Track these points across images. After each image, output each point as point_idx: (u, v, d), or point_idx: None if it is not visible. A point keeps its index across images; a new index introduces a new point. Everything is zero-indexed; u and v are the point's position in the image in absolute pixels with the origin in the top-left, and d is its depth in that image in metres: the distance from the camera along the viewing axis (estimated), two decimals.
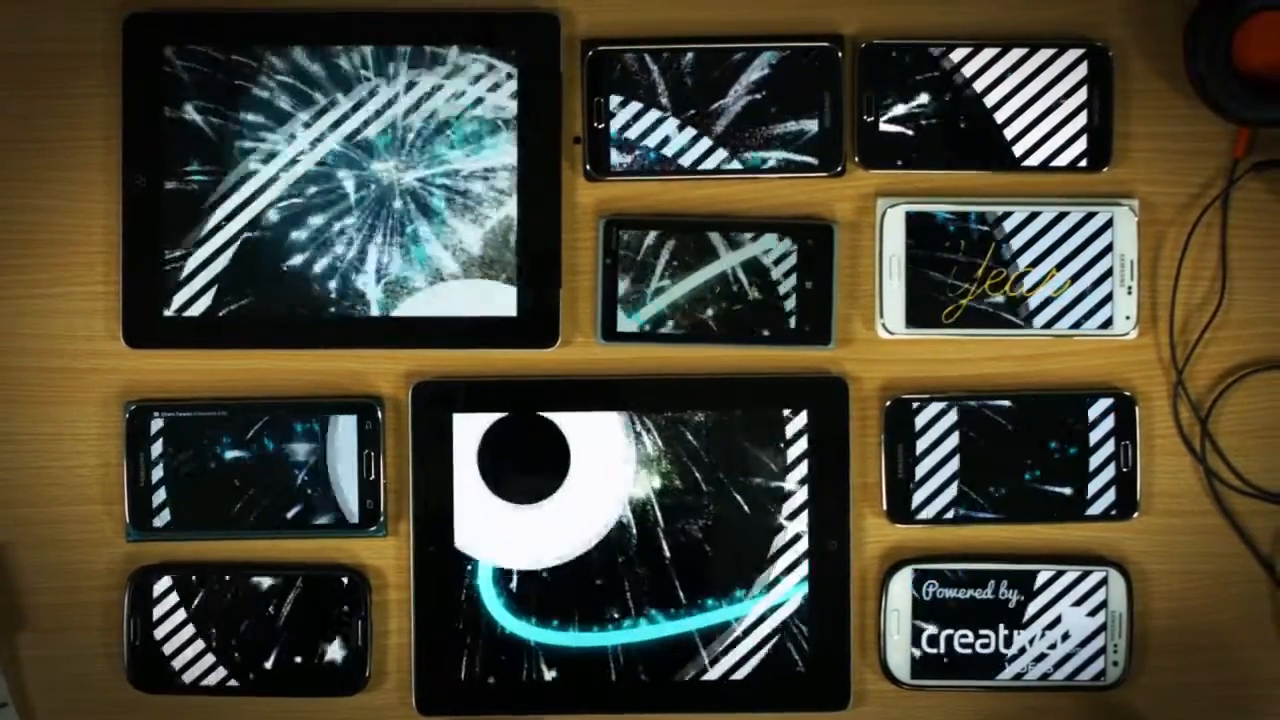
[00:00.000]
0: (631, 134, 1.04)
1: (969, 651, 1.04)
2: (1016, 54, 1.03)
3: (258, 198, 1.03)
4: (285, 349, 1.04)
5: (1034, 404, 1.04)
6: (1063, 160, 1.04)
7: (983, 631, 1.03)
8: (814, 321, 1.03)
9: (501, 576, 1.03)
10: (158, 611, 1.03)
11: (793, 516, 1.03)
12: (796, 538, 1.03)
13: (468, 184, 1.03)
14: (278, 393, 1.04)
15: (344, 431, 1.03)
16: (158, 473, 1.03)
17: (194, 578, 1.04)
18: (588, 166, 1.04)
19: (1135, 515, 1.04)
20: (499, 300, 1.03)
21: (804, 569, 1.03)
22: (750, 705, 1.04)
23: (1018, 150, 1.04)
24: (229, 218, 1.03)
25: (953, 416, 1.03)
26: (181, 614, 1.03)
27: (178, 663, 1.04)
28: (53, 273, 1.04)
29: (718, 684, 1.04)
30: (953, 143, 1.04)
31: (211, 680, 1.04)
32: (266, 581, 1.04)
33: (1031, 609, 1.03)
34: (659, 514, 1.03)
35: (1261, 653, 1.05)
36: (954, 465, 1.03)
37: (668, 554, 1.03)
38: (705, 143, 1.04)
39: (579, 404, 1.03)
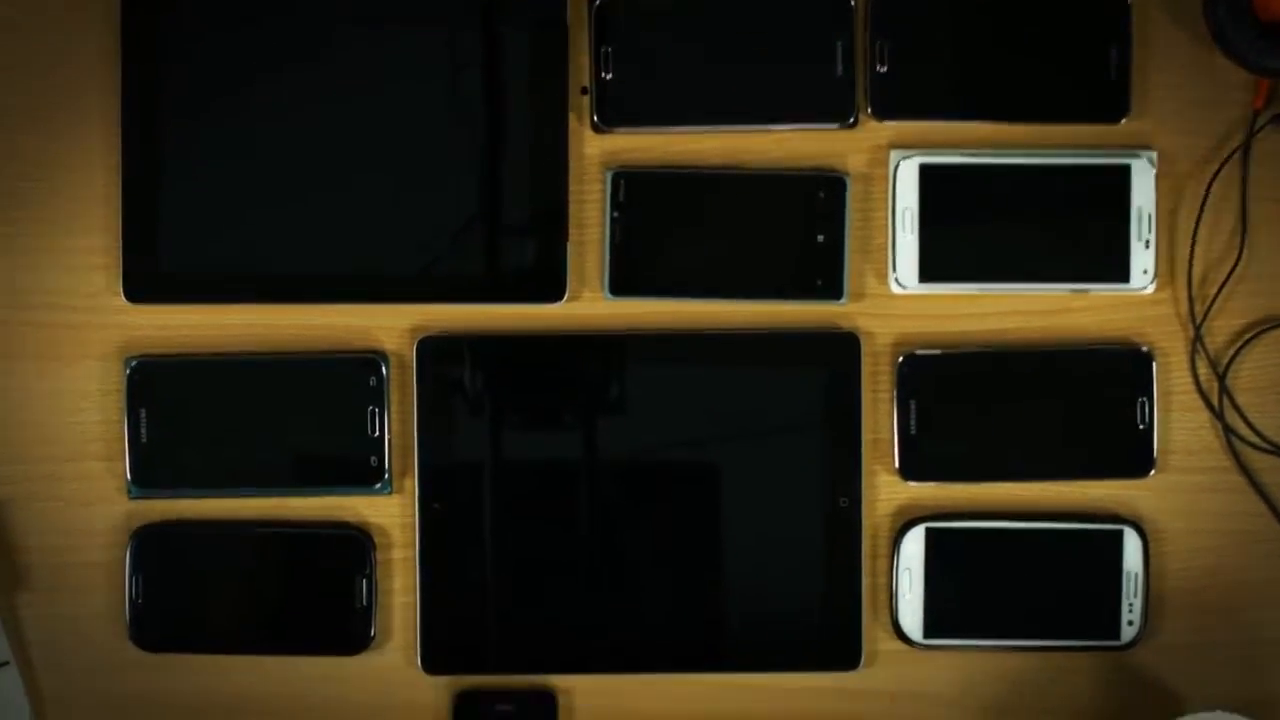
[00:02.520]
0: (640, 84, 1.02)
1: (982, 610, 1.03)
2: (1033, 2, 1.02)
3: (262, 151, 1.02)
4: (288, 303, 1.03)
5: (1049, 359, 1.03)
6: (1080, 111, 1.02)
7: (996, 590, 1.03)
8: (825, 276, 1.02)
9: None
10: (159, 569, 1.03)
11: (801, 472, 1.02)
12: (806, 494, 1.02)
13: None
14: (280, 347, 1.03)
15: (348, 387, 1.02)
16: (159, 429, 1.02)
17: (196, 535, 1.03)
18: (595, 118, 1.02)
19: (1152, 473, 1.03)
20: (504, 254, 1.03)
21: (815, 527, 1.02)
22: (759, 665, 1.04)
23: (1033, 101, 1.02)
24: (231, 171, 1.02)
25: (966, 372, 1.02)
26: (183, 572, 1.03)
27: (179, 621, 1.03)
28: (52, 226, 1.04)
29: (726, 643, 1.03)
30: (968, 93, 1.02)
31: (213, 639, 1.04)
32: (269, 539, 1.03)
33: (1046, 567, 1.03)
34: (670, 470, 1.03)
35: None
36: (967, 421, 1.03)
37: (672, 512, 1.03)
38: (715, 93, 1.02)
39: (585, 359, 1.02)
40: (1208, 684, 1.04)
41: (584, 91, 1.03)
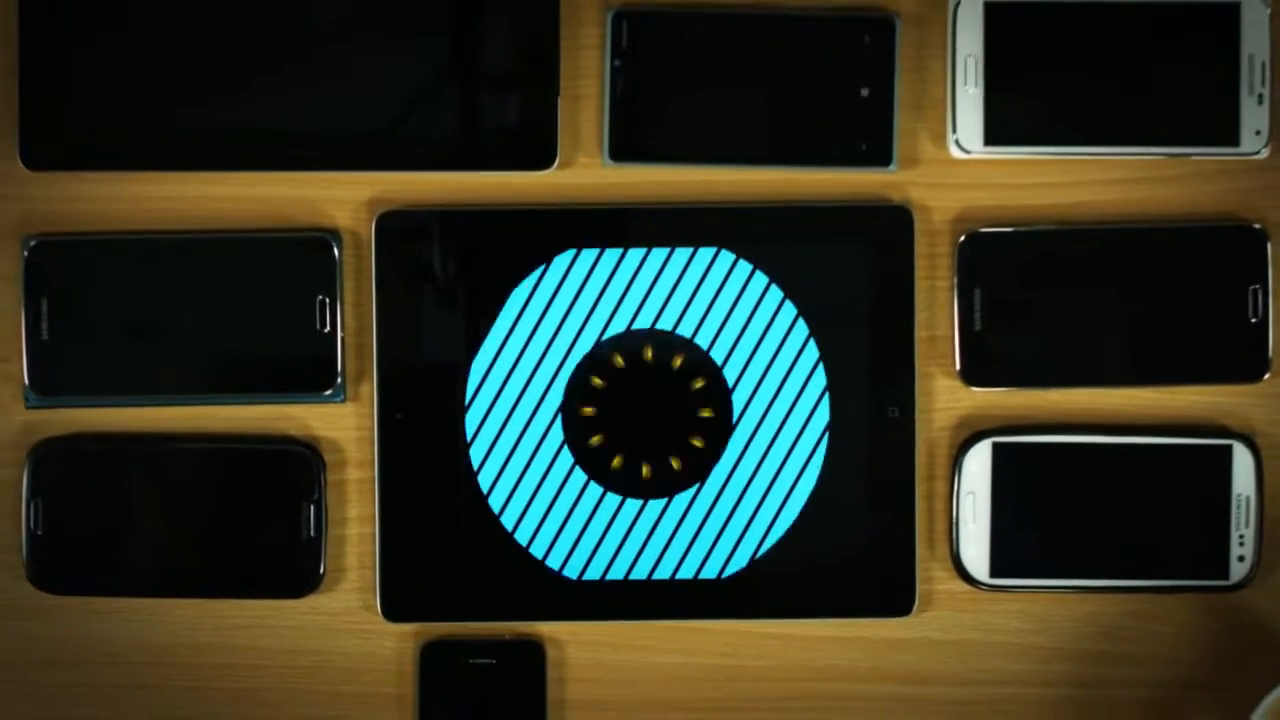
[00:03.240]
0: None
1: (1059, 544, 0.97)
2: None
3: None
4: (220, 170, 0.97)
5: (1140, 238, 0.96)
6: None
7: (1076, 519, 0.96)
8: (871, 138, 0.96)
9: None
10: (64, 494, 0.96)
11: (842, 376, 0.96)
12: (848, 403, 0.96)
13: None
14: (211, 224, 0.97)
15: (293, 272, 0.96)
16: (63, 324, 0.96)
17: (108, 452, 0.97)
18: None
19: (1266, 376, 0.96)
20: (483, 111, 0.97)
21: (858, 442, 0.96)
22: (790, 611, 0.97)
23: None
24: (152, 10, 0.95)
25: (1041, 254, 0.96)
26: (93, 497, 0.97)
27: (89, 557, 0.97)
28: None
29: (750, 584, 0.97)
30: None
31: (129, 579, 0.97)
32: (197, 457, 0.97)
33: (1137, 491, 0.96)
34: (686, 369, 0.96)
35: None
36: (1042, 314, 0.96)
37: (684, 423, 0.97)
38: None
39: (580, 238, 0.96)
40: None
41: None
